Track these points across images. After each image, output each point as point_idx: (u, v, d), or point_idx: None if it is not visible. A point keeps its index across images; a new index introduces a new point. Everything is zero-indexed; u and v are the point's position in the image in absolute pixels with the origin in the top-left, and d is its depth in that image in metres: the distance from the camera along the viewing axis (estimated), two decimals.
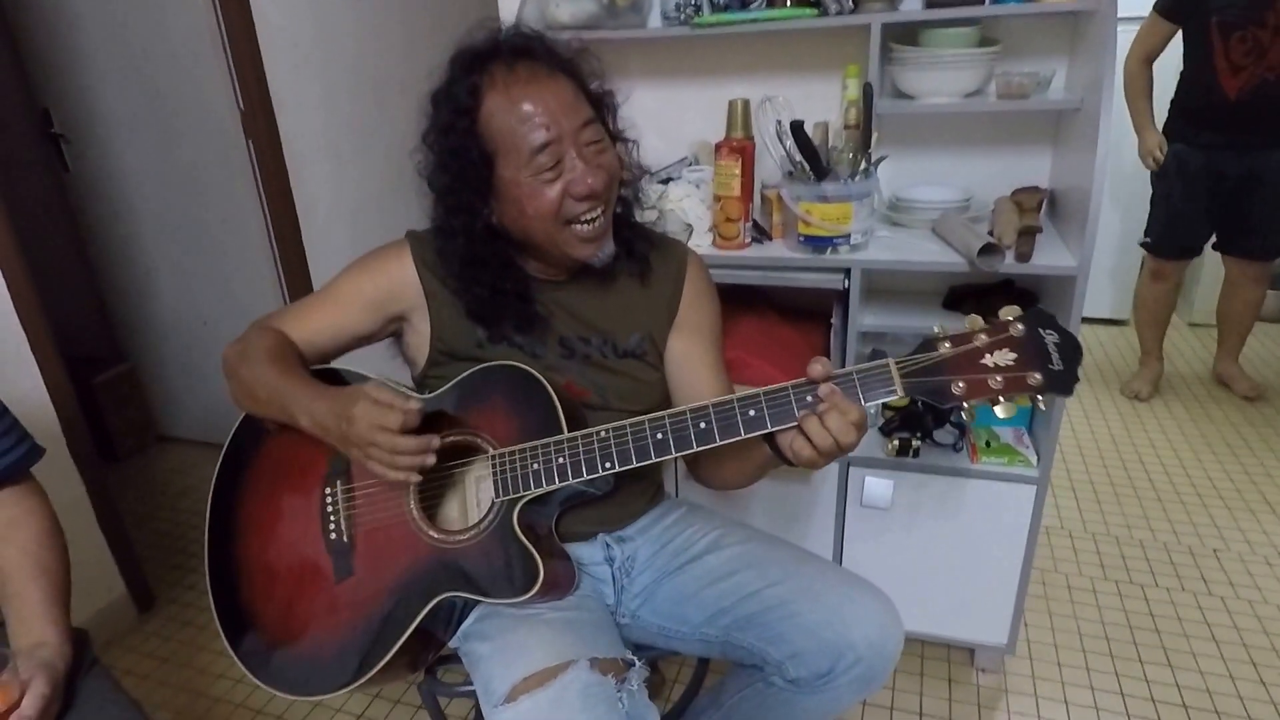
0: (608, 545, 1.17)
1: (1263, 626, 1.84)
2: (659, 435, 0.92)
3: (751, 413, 0.89)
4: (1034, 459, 1.51)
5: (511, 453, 0.99)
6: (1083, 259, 1.33)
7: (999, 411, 0.86)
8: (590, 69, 1.06)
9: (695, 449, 0.91)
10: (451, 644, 1.11)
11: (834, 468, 1.60)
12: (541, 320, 1.10)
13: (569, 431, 0.97)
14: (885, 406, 1.66)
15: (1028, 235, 1.39)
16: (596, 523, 1.16)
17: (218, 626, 1.09)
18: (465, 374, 1.04)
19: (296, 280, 2.49)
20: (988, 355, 0.85)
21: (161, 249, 2.69)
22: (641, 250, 1.13)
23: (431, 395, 1.05)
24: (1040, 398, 0.85)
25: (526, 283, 1.09)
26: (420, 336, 1.12)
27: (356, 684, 1.03)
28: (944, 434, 1.59)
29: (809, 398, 0.89)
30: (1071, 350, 0.85)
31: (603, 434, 0.94)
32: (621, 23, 1.57)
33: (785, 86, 1.60)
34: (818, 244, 1.45)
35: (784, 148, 1.44)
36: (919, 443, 1.56)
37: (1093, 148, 1.28)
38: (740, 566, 1.11)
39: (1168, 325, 2.98)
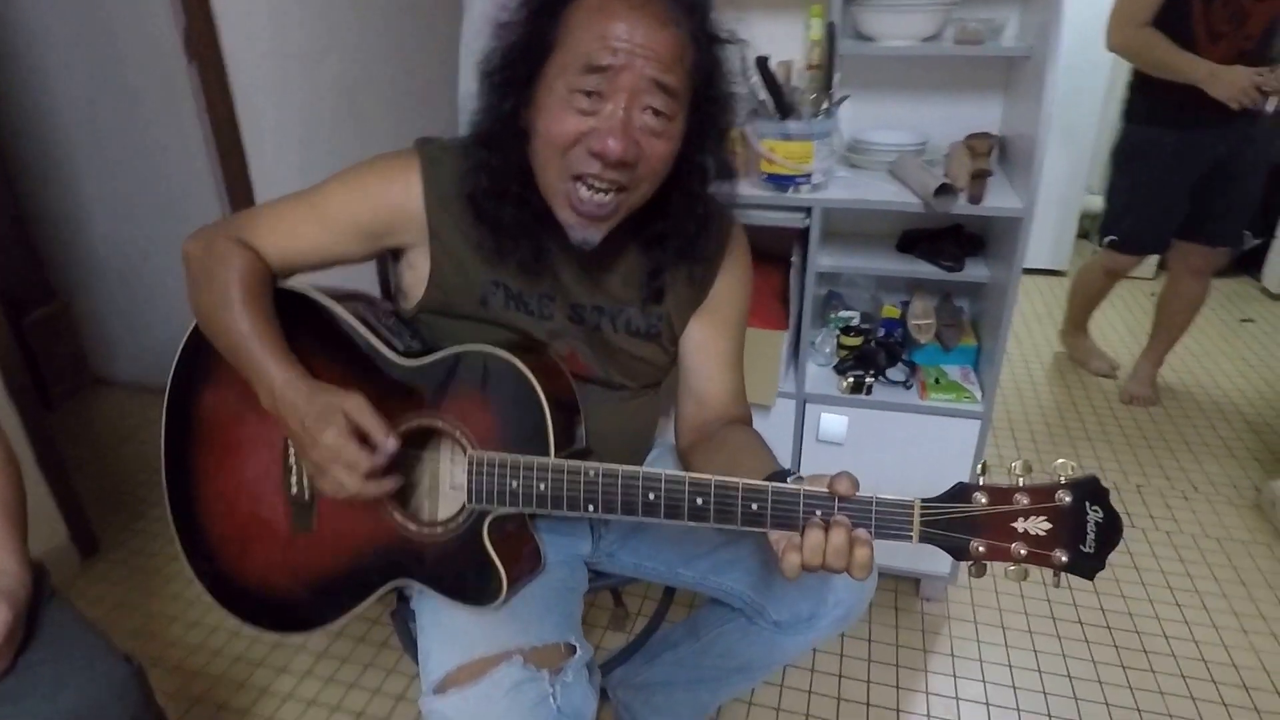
0: None
1: (1178, 555, 1.98)
2: (650, 496, 0.83)
3: (754, 507, 0.81)
4: (979, 395, 1.58)
5: (491, 462, 0.88)
6: (1028, 201, 1.38)
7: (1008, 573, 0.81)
8: (728, 62, 0.94)
9: (684, 521, 0.83)
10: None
11: (790, 404, 1.64)
12: (551, 273, 0.99)
13: (556, 454, 0.89)
14: (840, 345, 1.71)
15: (979, 178, 1.43)
16: None
17: (178, 545, 1.08)
18: (461, 350, 0.92)
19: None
20: (1021, 520, 0.78)
21: (96, 177, 2.54)
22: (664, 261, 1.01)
23: (416, 364, 0.94)
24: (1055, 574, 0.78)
25: (545, 226, 0.94)
26: (417, 275, 0.99)
27: (306, 634, 1.02)
28: (896, 371, 1.65)
29: (818, 512, 0.82)
30: (1111, 533, 0.75)
31: (590, 474, 0.85)
32: None
33: (749, 25, 1.58)
34: (780, 182, 1.46)
35: (749, 85, 1.45)
36: (872, 380, 1.62)
37: (1039, 95, 1.32)
38: None
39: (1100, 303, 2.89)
